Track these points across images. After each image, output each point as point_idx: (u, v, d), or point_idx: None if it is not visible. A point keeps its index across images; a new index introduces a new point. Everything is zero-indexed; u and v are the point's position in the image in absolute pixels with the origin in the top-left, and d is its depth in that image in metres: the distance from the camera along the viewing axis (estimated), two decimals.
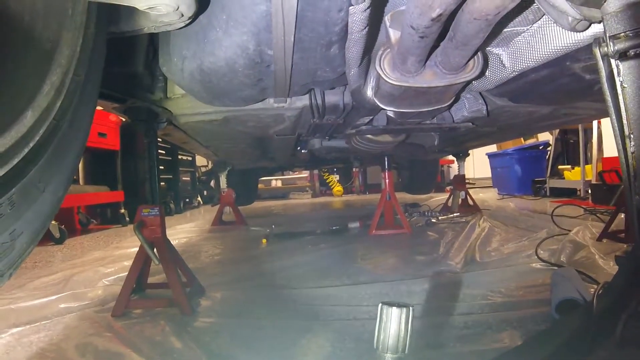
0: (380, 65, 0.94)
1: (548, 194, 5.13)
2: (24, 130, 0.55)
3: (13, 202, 0.52)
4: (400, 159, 4.27)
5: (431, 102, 1.13)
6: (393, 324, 0.53)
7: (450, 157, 5.34)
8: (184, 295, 1.35)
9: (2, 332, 1.24)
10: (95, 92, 0.78)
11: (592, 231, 2.14)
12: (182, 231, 3.46)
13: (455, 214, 3.31)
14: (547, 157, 5.65)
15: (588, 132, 4.70)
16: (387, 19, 0.85)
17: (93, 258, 2.43)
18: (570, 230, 2.16)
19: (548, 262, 1.70)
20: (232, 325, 1.22)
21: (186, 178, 6.73)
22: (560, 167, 5.37)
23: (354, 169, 7.75)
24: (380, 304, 0.54)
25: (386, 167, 2.98)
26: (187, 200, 6.59)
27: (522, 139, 6.58)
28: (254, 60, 0.94)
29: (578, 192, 4.65)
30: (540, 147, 5.97)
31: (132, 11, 0.79)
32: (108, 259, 2.32)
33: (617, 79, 0.68)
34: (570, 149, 5.52)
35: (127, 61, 1.23)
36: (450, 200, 3.76)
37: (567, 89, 1.22)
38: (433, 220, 3.11)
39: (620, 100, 0.68)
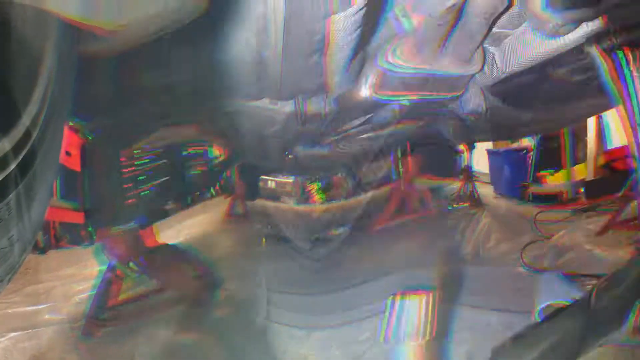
0: (391, 57, 0.98)
1: (532, 199, 5.04)
2: (19, 135, 0.54)
3: (10, 207, 0.52)
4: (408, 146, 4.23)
5: (443, 89, 1.16)
6: (413, 311, 0.53)
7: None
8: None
9: (2, 336, 1.25)
10: (68, 104, 0.77)
11: (587, 228, 2.14)
12: (189, 226, 3.46)
13: (463, 205, 3.31)
14: (529, 162, 5.57)
15: (581, 131, 4.66)
16: (397, 10, 0.87)
17: (68, 274, 2.37)
18: (552, 235, 2.14)
19: (533, 265, 1.70)
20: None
21: (198, 170, 6.64)
22: (541, 173, 5.28)
23: (338, 174, 7.67)
24: (395, 293, 0.54)
25: (399, 155, 2.94)
26: (198, 193, 6.50)
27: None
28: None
29: (562, 195, 4.57)
30: (523, 152, 5.89)
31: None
32: (80, 276, 2.27)
33: (625, 69, 0.67)
34: (549, 156, 5.45)
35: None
36: (459, 190, 3.76)
37: (562, 88, 1.24)
38: (442, 210, 3.11)
39: (631, 90, 0.67)
